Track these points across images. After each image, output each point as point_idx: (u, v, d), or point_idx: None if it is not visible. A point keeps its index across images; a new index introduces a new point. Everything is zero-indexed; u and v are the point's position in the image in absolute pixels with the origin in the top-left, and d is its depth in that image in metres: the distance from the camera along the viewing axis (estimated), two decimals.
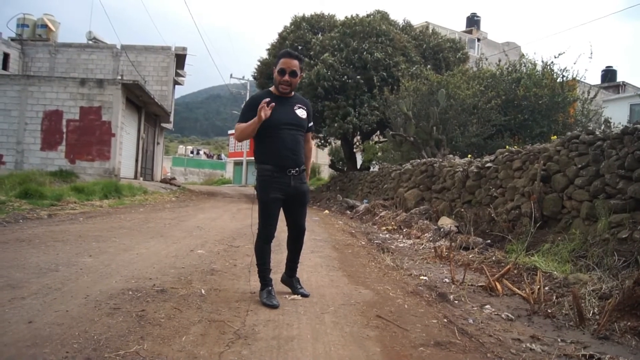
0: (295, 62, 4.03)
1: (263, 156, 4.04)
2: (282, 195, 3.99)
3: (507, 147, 9.80)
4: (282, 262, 4.62)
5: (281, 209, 4.11)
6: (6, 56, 23.03)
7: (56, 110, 17.51)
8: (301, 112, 4.10)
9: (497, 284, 5.04)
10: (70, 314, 3.36)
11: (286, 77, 3.99)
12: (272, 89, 4.15)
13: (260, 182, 4.02)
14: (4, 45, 22.93)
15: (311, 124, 4.26)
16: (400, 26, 23.02)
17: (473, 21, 41.98)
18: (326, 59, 19.29)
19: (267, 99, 3.78)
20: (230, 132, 60.72)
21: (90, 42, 25.80)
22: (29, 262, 4.94)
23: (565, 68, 14.81)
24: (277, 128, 3.93)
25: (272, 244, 4.18)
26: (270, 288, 4.06)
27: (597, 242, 5.60)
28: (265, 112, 3.72)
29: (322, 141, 25.23)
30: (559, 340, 3.58)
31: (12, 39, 24.38)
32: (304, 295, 4.31)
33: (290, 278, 4.46)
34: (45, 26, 25.41)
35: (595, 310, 4.15)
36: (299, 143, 4.05)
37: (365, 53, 19.31)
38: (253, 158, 4.20)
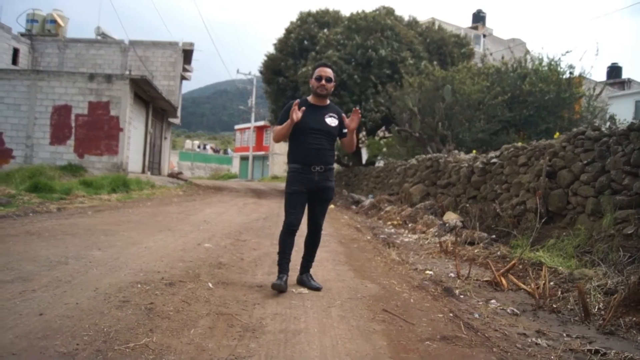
0: (330, 70, 4.45)
1: (292, 156, 4.44)
2: (305, 189, 4.33)
3: (512, 143, 9.76)
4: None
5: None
6: (16, 51, 23.06)
7: (65, 105, 17.53)
8: (331, 121, 4.43)
9: (502, 279, 5.04)
10: (80, 306, 3.37)
11: (323, 82, 4.39)
12: (309, 97, 4.54)
13: (288, 179, 4.42)
14: (14, 41, 22.94)
15: (346, 130, 4.52)
16: (406, 22, 22.93)
17: (479, 17, 41.79)
18: (330, 56, 19.23)
19: (297, 100, 4.27)
20: (236, 127, 60.73)
21: (98, 37, 25.80)
22: (39, 255, 4.96)
23: (572, 65, 14.73)
24: (304, 132, 4.30)
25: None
26: (284, 276, 4.24)
27: (603, 237, 5.58)
28: (296, 114, 4.17)
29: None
30: (565, 335, 3.57)
31: (22, 34, 24.40)
32: (317, 289, 4.39)
33: (301, 275, 4.57)
34: (54, 21, 25.42)
35: (601, 306, 4.14)
36: (324, 147, 4.37)
37: (370, 50, 19.23)
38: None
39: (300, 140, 4.33)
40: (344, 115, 4.61)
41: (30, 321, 3.03)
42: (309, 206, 4.47)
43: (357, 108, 4.41)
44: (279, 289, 4.13)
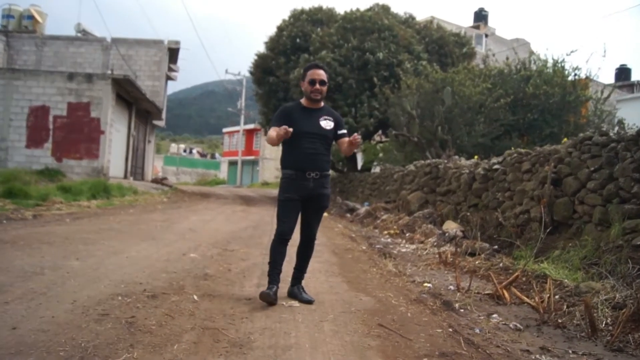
0: (323, 72, 4.46)
1: (285, 162, 4.45)
2: (298, 196, 4.33)
3: (515, 148, 9.80)
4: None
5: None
6: None
7: (42, 105, 17.45)
8: (326, 124, 4.45)
9: (504, 292, 5.04)
10: (57, 320, 3.35)
11: (317, 86, 4.40)
12: (302, 100, 4.56)
13: (281, 185, 4.43)
14: None
15: (343, 131, 4.59)
16: (402, 19, 23.04)
17: (481, 16, 42.08)
18: (324, 57, 19.28)
19: (288, 130, 4.07)
20: (225, 130, 60.70)
21: (79, 34, 25.77)
22: (12, 265, 4.92)
23: (578, 66, 14.82)
24: (299, 137, 4.28)
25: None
26: (275, 287, 4.23)
27: (610, 248, 5.59)
28: (283, 132, 4.05)
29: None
30: (570, 351, 3.58)
31: None
32: (309, 302, 4.36)
33: (293, 287, 4.55)
34: (31, 17, 25.36)
35: (609, 321, 4.14)
36: (319, 150, 4.39)
37: (368, 54, 19.30)
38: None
39: (294, 145, 4.32)
40: (339, 116, 4.65)
41: (2, 335, 3.00)
42: (302, 214, 4.47)
43: (357, 135, 4.36)
44: (268, 300, 4.12)
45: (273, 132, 4.32)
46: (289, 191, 4.32)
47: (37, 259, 5.31)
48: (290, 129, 4.13)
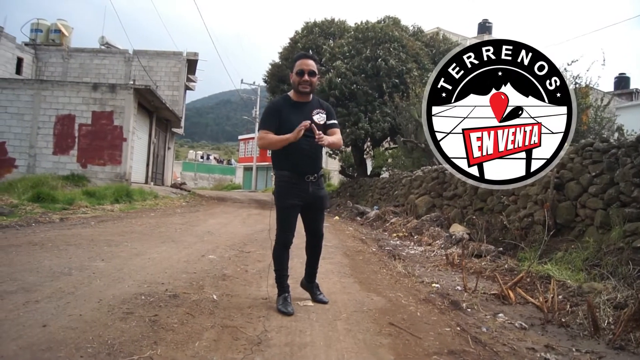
0: (312, 62, 4.07)
1: (281, 163, 4.07)
2: (300, 202, 4.04)
3: None
4: (293, 268, 4.60)
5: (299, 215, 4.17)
6: (20, 61, 23.26)
7: (69, 114, 17.63)
8: (319, 117, 4.08)
9: (510, 292, 5.01)
10: (84, 318, 3.38)
11: (305, 77, 4.01)
12: (290, 93, 4.18)
13: (279, 188, 4.08)
14: (18, 50, 23.15)
15: (333, 121, 4.20)
16: (411, 32, 23.05)
17: (485, 27, 41.87)
18: (339, 67, 19.33)
19: (307, 122, 3.79)
20: (240, 137, 60.91)
21: (102, 47, 26.03)
22: (42, 266, 4.98)
23: (578, 75, 14.72)
24: None
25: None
26: (286, 295, 4.07)
27: (612, 250, 5.55)
28: (299, 134, 3.77)
29: (332, 150, 25.22)
30: (574, 350, 3.55)
31: (26, 44, 24.63)
32: (323, 302, 4.31)
33: (309, 284, 4.46)
34: (58, 31, 25.66)
35: (610, 320, 4.11)
36: (316, 150, 4.05)
37: (380, 60, 19.32)
38: (271, 163, 4.26)
39: (291, 144, 3.89)
40: (329, 106, 4.29)
41: (34, 332, 3.03)
42: (305, 217, 4.22)
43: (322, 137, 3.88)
44: (289, 314, 3.86)
45: (270, 135, 3.94)
46: (289, 197, 4.00)
47: (65, 260, 5.37)
48: (308, 122, 3.80)
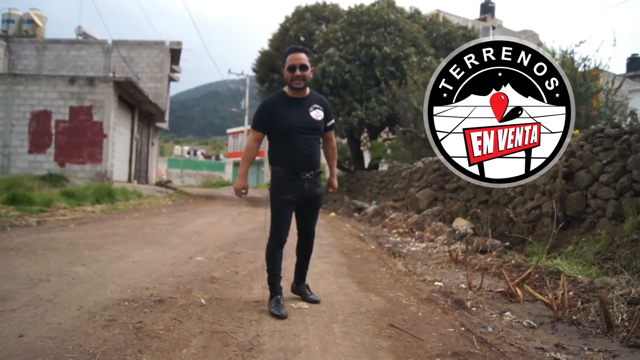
0: (303, 55, 4.13)
1: (278, 159, 4.18)
2: (295, 198, 4.14)
3: None
4: (286, 268, 4.60)
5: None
6: None
7: (44, 110, 17.54)
8: (317, 114, 4.18)
9: (517, 289, 5.03)
10: (63, 326, 3.37)
11: (297, 72, 4.06)
12: (285, 89, 4.24)
13: (274, 184, 4.18)
14: None
15: (331, 122, 4.37)
16: (408, 14, 23.01)
17: (487, 8, 41.90)
18: (332, 55, 19.31)
19: (243, 191, 4.23)
20: (229, 130, 60.79)
21: (79, 37, 25.87)
22: (18, 272, 4.96)
23: (587, 57, 14.71)
24: (291, 132, 4.07)
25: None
26: (279, 297, 4.10)
27: (625, 243, 5.56)
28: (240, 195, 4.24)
29: None
30: (586, 348, 3.57)
31: None
32: (315, 302, 4.37)
33: (298, 285, 4.53)
34: (31, 21, 25.48)
35: (624, 317, 4.13)
36: (314, 147, 4.17)
37: (373, 48, 19.30)
38: (262, 158, 4.39)
39: (286, 141, 4.08)
40: (327, 102, 4.39)
41: (10, 343, 3.02)
42: (298, 214, 4.32)
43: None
44: (283, 317, 3.88)
45: (247, 154, 4.23)
46: (285, 192, 4.10)
47: (43, 266, 5.35)
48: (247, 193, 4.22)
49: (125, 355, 2.95)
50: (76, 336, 3.19)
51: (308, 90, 4.25)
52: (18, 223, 8.99)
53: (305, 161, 4.10)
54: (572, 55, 14.86)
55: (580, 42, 16.62)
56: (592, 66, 14.43)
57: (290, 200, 4.12)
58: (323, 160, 4.55)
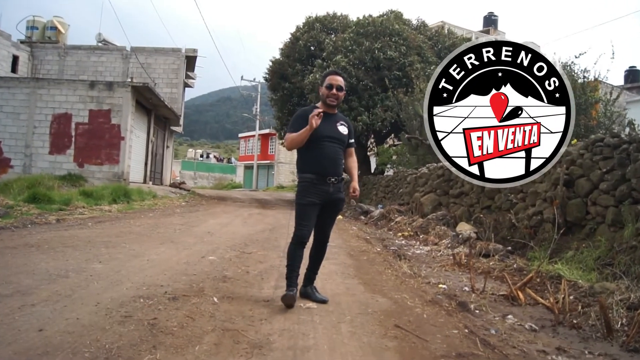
0: (341, 79, 4.44)
1: (305, 165, 4.39)
2: (319, 201, 4.31)
3: None
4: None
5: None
6: (15, 59, 23.28)
7: (65, 113, 17.66)
8: (343, 129, 4.46)
9: (519, 293, 4.98)
10: (81, 321, 3.36)
11: (334, 91, 4.37)
12: (318, 104, 4.50)
13: (301, 188, 4.37)
14: (14, 48, 23.17)
15: (352, 140, 4.61)
16: (414, 26, 22.99)
17: (490, 20, 41.78)
18: (339, 61, 19.29)
19: (320, 110, 4.20)
20: (241, 135, 60.88)
21: (99, 44, 26.03)
22: (38, 268, 4.97)
23: (586, 68, 14.64)
24: (319, 140, 4.28)
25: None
26: (294, 289, 4.21)
27: (624, 249, 5.51)
28: (315, 120, 4.10)
29: None
30: (586, 352, 3.52)
31: (22, 42, 24.66)
32: (323, 301, 4.38)
33: (306, 287, 4.54)
34: (54, 28, 25.67)
35: (624, 321, 4.08)
36: (338, 155, 4.42)
37: (377, 52, 19.28)
38: (296, 167, 4.57)
39: (315, 148, 4.29)
40: (351, 124, 4.64)
41: (30, 337, 3.02)
42: (318, 217, 4.42)
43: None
44: (291, 302, 4.10)
45: (295, 134, 4.29)
46: (310, 195, 4.27)
47: (62, 262, 5.35)
48: (322, 114, 4.14)
49: (140, 350, 2.93)
50: (93, 331, 3.18)
51: (336, 110, 4.56)
52: (38, 221, 9.03)
53: (331, 166, 4.32)
54: (572, 66, 14.79)
55: (580, 54, 16.51)
56: (591, 77, 14.35)
57: (315, 203, 4.29)
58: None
